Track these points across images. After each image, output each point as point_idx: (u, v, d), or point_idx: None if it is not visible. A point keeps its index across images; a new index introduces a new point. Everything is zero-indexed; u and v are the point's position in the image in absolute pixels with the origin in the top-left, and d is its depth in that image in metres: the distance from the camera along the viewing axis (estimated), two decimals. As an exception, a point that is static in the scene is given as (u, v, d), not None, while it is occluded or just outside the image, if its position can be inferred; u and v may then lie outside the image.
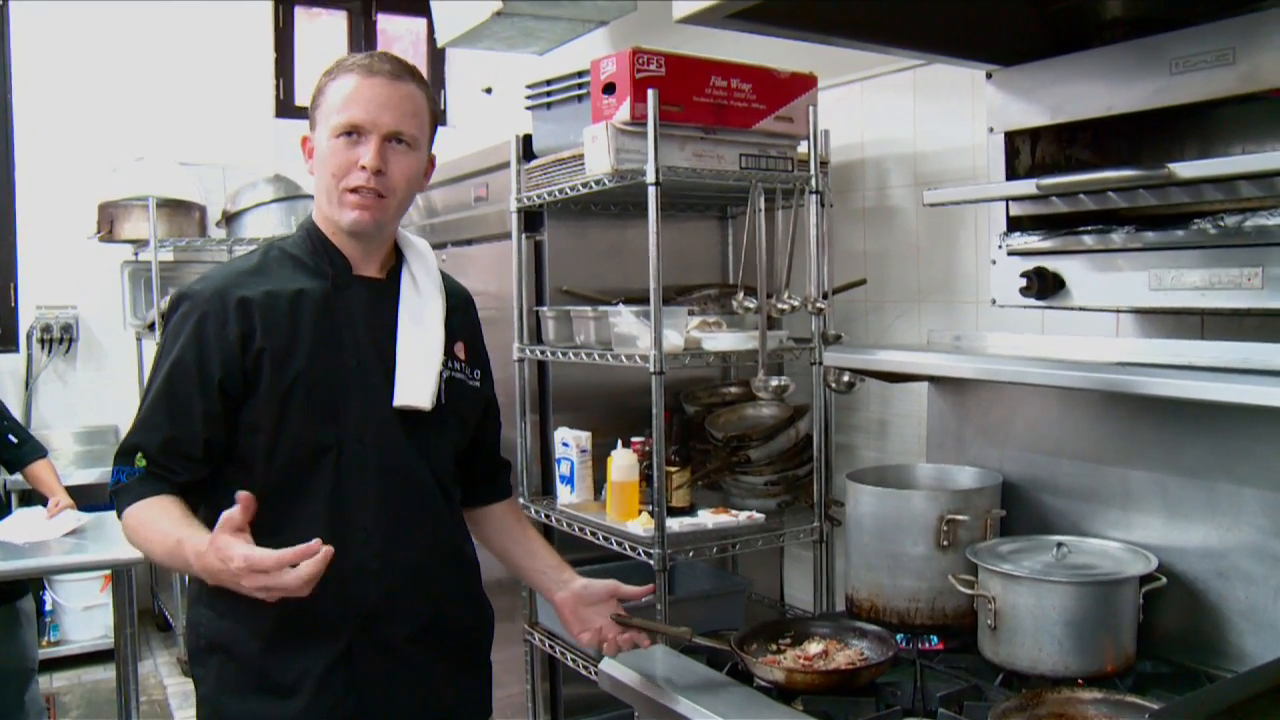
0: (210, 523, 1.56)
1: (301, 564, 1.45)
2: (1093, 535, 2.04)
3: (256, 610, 1.61)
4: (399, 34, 5.30)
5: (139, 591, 3.80)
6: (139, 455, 1.68)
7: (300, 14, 4.97)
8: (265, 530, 1.54)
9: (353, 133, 1.68)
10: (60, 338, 4.86)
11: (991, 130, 2.17)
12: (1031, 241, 2.07)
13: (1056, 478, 2.13)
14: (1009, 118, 2.13)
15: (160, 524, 1.63)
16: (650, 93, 2.35)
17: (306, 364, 1.70)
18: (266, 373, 1.68)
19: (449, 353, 1.86)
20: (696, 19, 1.85)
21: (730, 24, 1.87)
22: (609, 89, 2.44)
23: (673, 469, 2.71)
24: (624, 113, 2.39)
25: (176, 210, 4.29)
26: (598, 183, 2.52)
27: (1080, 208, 2.02)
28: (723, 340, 2.55)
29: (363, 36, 5.07)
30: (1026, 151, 2.18)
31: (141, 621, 5.03)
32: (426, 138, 1.79)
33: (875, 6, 1.94)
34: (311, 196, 4.41)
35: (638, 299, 2.96)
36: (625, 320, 2.53)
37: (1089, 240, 1.96)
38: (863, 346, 2.33)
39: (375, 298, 1.80)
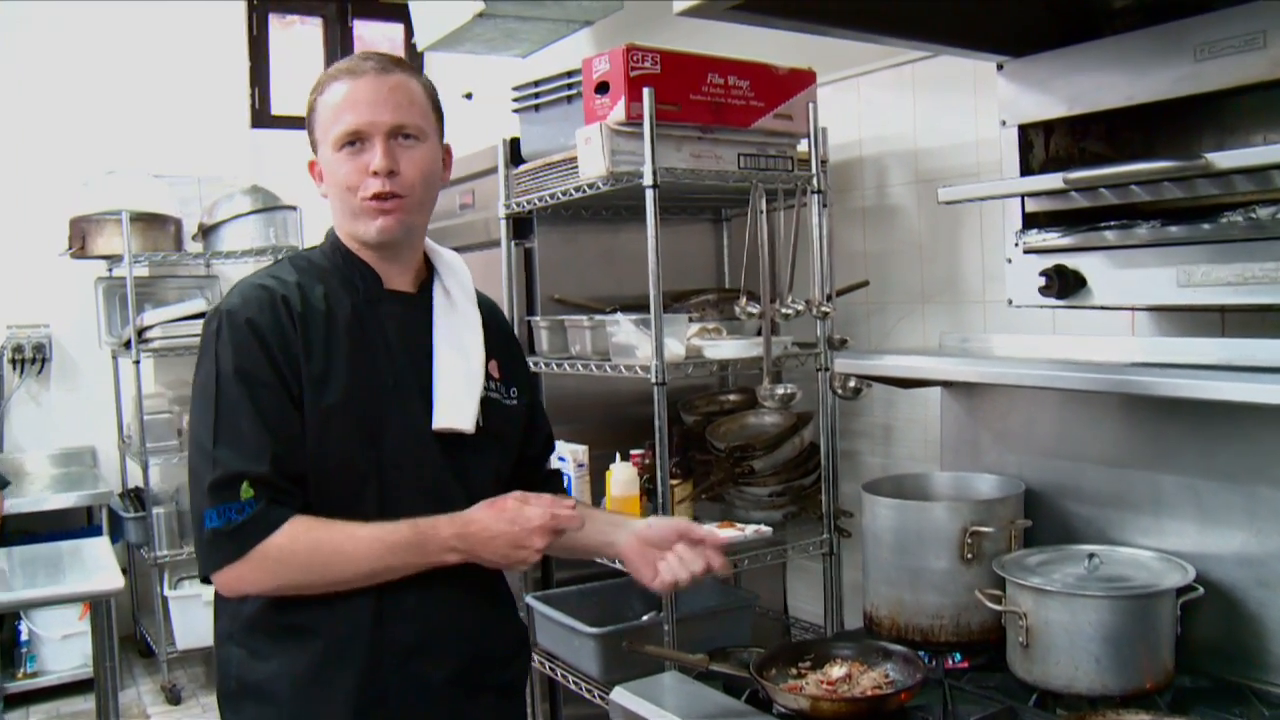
0: None
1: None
2: (1122, 544, 1.96)
3: (291, 648, 1.55)
4: (375, 41, 5.19)
5: (120, 616, 3.69)
6: (244, 485, 1.50)
7: (275, 23, 4.86)
8: None
9: (354, 140, 1.58)
10: (33, 357, 4.71)
11: (1004, 123, 2.08)
12: (1050, 238, 1.98)
13: (1081, 484, 2.04)
14: (1022, 110, 2.05)
15: (352, 528, 1.53)
16: (646, 91, 2.26)
17: (348, 382, 1.58)
18: (309, 391, 1.56)
19: (484, 372, 1.74)
20: (697, 12, 1.76)
21: (732, 16, 1.78)
22: (602, 88, 2.34)
23: (675, 482, 2.61)
24: (619, 112, 2.29)
25: (151, 224, 4.16)
26: (591, 186, 2.42)
27: (1101, 202, 1.93)
28: (726, 348, 2.45)
29: (338, 44, 4.95)
30: (1040, 145, 2.10)
31: (123, 648, 4.89)
32: (434, 127, 1.67)
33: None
34: (292, 207, 4.35)
35: (633, 306, 2.87)
36: (624, 329, 2.43)
37: (1112, 236, 1.88)
38: (874, 351, 2.24)
39: (408, 313, 1.69)
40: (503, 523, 1.54)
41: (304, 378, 1.55)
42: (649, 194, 2.29)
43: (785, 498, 2.70)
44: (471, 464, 1.69)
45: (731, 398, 3.09)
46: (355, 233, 1.64)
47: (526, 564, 1.58)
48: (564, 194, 2.55)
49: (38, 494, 4.35)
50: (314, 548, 1.52)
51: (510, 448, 1.79)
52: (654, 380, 2.32)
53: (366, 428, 1.60)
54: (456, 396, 1.66)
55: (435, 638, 1.63)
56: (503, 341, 1.82)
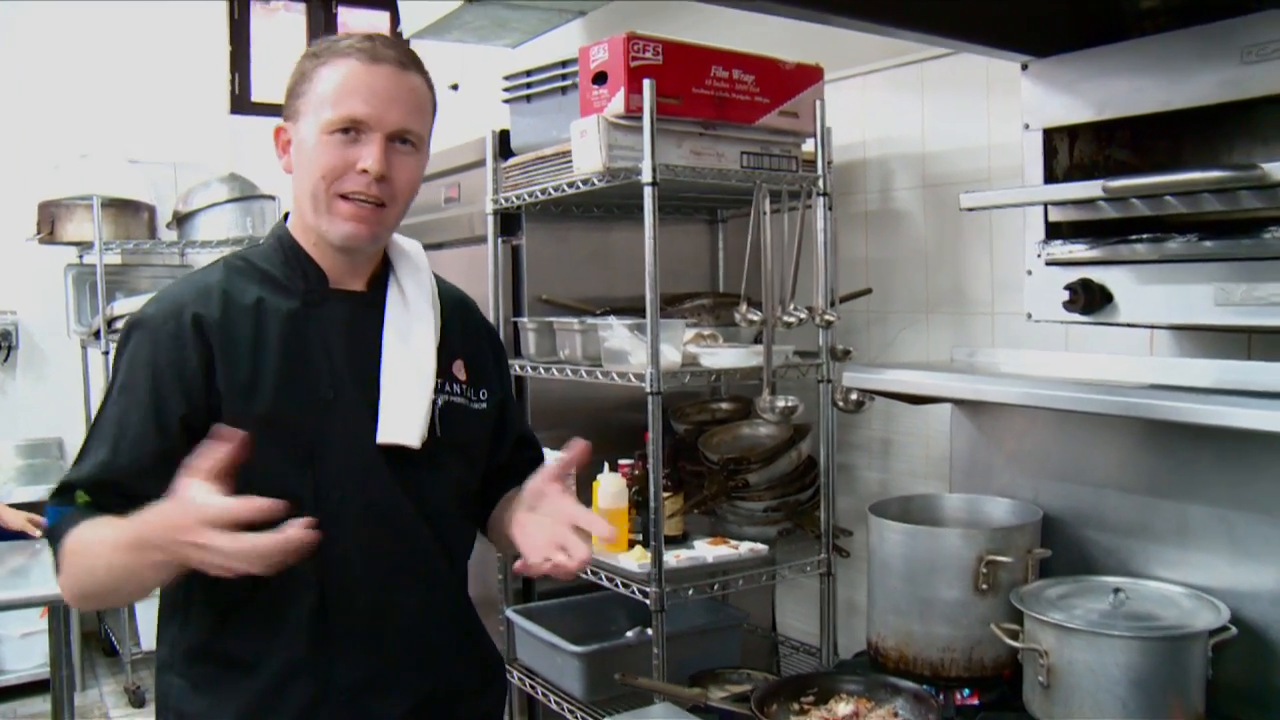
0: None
1: (266, 535, 1.20)
2: (1145, 576, 1.84)
3: (231, 682, 1.43)
4: (359, 28, 5.04)
5: (83, 614, 3.54)
6: (79, 492, 1.41)
7: (257, 8, 4.70)
8: (233, 595, 1.34)
9: (351, 129, 1.44)
10: (-2, 345, 4.56)
11: (1027, 127, 1.96)
12: (1077, 250, 1.86)
13: (1102, 511, 1.92)
14: (1048, 113, 1.93)
15: (102, 530, 1.35)
16: (646, 83, 2.13)
17: (273, 398, 1.45)
18: (225, 409, 1.43)
19: (445, 374, 1.60)
20: (729, 1, 1.64)
21: (756, 5, 1.66)
22: (600, 79, 2.21)
23: (666, 495, 2.48)
24: (617, 105, 2.16)
25: (124, 210, 4.01)
26: (585, 182, 2.29)
27: (1132, 213, 1.81)
28: (724, 357, 2.32)
29: (322, 30, 4.80)
30: (1065, 151, 1.98)
31: (86, 646, 4.74)
32: (429, 135, 1.55)
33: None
34: (271, 197, 4.19)
35: (625, 310, 2.74)
36: (617, 334, 2.30)
37: (1144, 249, 1.76)
38: (885, 365, 2.12)
39: (356, 315, 1.55)
40: (171, 515, 1.26)
41: (222, 390, 1.43)
42: (648, 192, 2.16)
43: (780, 513, 2.57)
44: (426, 480, 1.55)
45: (724, 406, 2.97)
46: (317, 226, 1.49)
47: (206, 566, 1.24)
48: (556, 189, 2.41)
49: (2, 486, 4.19)
50: (79, 549, 1.37)
51: (476, 457, 1.65)
52: (648, 389, 2.19)
53: (299, 445, 1.46)
54: (402, 406, 1.52)
55: (387, 671, 1.50)
56: (471, 338, 1.69)
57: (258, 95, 4.68)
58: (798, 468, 2.60)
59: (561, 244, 2.85)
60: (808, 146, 2.46)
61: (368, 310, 1.56)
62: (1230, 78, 1.64)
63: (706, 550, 2.35)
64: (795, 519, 2.59)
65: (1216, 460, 1.77)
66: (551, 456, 2.52)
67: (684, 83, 2.20)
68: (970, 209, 1.87)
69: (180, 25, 4.44)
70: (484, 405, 1.64)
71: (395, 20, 5.01)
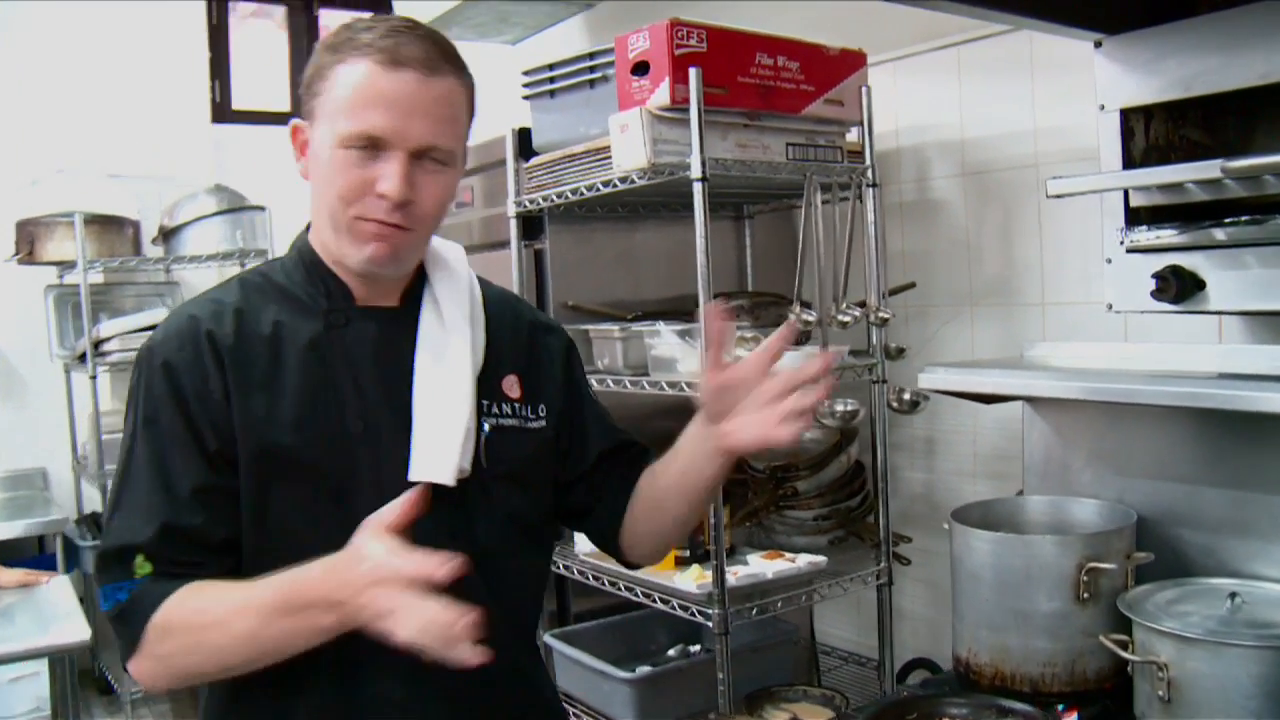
0: None
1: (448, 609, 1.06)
2: (1248, 576, 1.74)
3: None
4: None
5: (78, 652, 3.38)
6: (138, 559, 1.23)
7: (236, 16, 4.53)
8: None
9: (367, 145, 1.26)
10: (-25, 373, 4.37)
11: (1103, 108, 1.86)
12: (1165, 236, 1.76)
13: (1197, 509, 1.82)
14: (1126, 93, 1.83)
15: (222, 597, 1.20)
16: (693, 72, 2.01)
17: (294, 432, 1.28)
18: (240, 447, 1.27)
19: (495, 393, 1.42)
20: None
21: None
22: (640, 69, 2.08)
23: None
24: (661, 96, 2.04)
25: (107, 227, 3.83)
26: (624, 180, 2.16)
27: (1224, 195, 1.72)
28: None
29: (304, 34, 4.64)
30: (1141, 132, 1.88)
31: (81, 685, 4.55)
32: (462, 147, 1.35)
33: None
34: (260, 208, 4.04)
35: (656, 314, 2.62)
36: (666, 340, 2.17)
37: (1247, 232, 1.66)
38: (962, 364, 2.00)
39: (387, 335, 1.37)
40: (348, 564, 1.14)
41: (236, 425, 1.27)
42: (697, 188, 2.03)
43: (831, 521, 2.46)
44: (474, 518, 1.37)
45: (757, 410, 2.85)
46: (334, 249, 1.34)
47: (384, 628, 1.10)
48: (590, 189, 2.28)
49: (-17, 522, 4.00)
50: (188, 623, 1.21)
51: (535, 484, 1.46)
52: (705, 398, 2.06)
53: (328, 483, 1.29)
54: (436, 438, 1.34)
55: None
56: (525, 345, 1.50)
57: (239, 103, 4.52)
58: (846, 473, 2.49)
59: (586, 246, 2.72)
60: (852, 136, 2.36)
61: (400, 329, 1.38)
62: (1338, 46, 1.54)
63: (763, 565, 2.23)
64: (847, 526, 2.48)
65: (1326, 452, 1.67)
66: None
67: (730, 71, 2.08)
68: (1058, 195, 1.76)
69: (157, 34, 4.27)
70: (542, 423, 1.46)
71: (379, 22, 4.88)
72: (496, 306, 1.50)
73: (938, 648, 2.65)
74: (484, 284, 1.52)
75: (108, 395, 4.12)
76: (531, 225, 2.67)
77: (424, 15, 3.33)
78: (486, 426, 1.40)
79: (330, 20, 4.78)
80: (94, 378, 3.80)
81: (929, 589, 2.69)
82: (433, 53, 1.29)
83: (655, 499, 1.49)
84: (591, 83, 2.35)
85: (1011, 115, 2.45)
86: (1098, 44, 1.86)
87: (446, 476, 1.33)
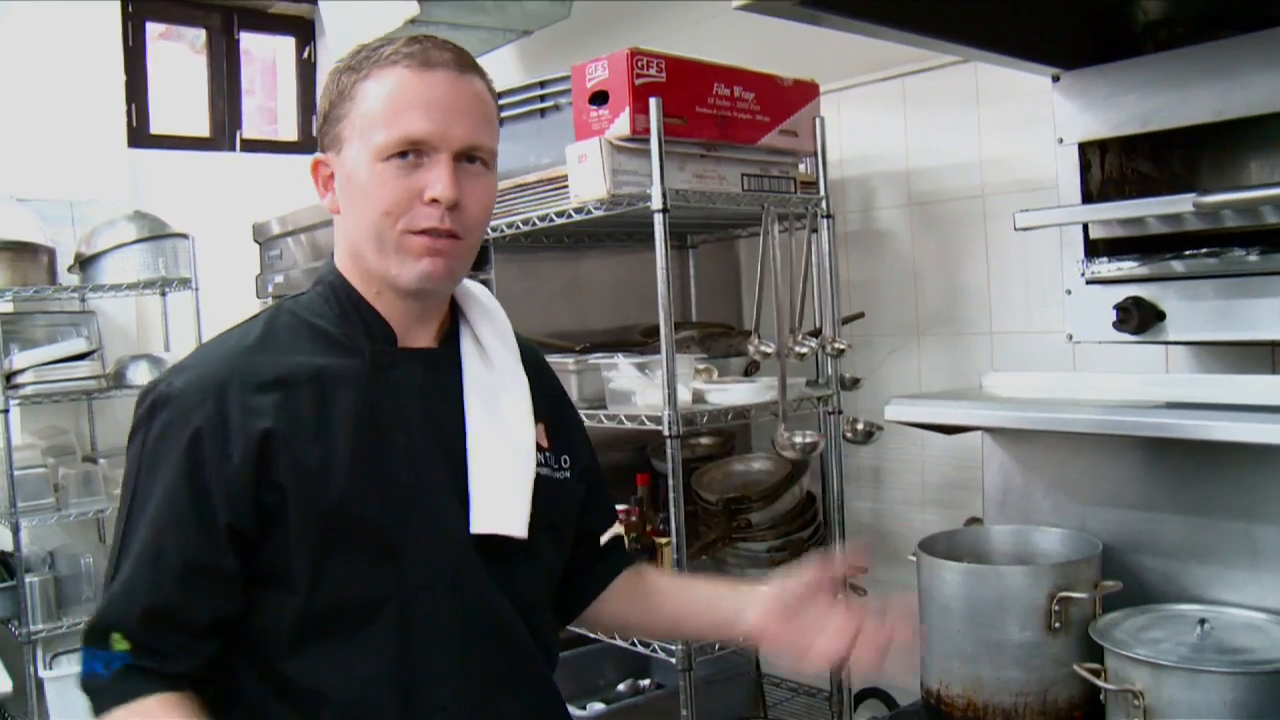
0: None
1: None
2: (1211, 602, 1.77)
3: None
4: (264, 54, 4.78)
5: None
6: (116, 636, 1.16)
7: (153, 39, 4.39)
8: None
9: (410, 152, 1.21)
10: (-128, 407, 4.13)
11: (1062, 141, 1.89)
12: (1126, 268, 1.79)
13: (1158, 536, 1.85)
14: (1084, 127, 1.87)
15: None
16: (653, 102, 1.99)
17: (347, 485, 1.21)
18: (292, 503, 1.19)
19: None
20: (760, 7, 1.52)
21: (797, 13, 1.54)
22: (598, 98, 2.06)
23: (663, 540, 2.34)
24: (621, 126, 2.02)
25: (20, 254, 3.66)
26: (580, 210, 2.14)
27: (1182, 228, 1.75)
28: (736, 393, 2.19)
29: (224, 57, 4.53)
30: (1097, 165, 1.91)
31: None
32: (496, 155, 1.32)
33: (960, 2, 1.64)
34: (184, 235, 3.90)
35: (603, 345, 2.60)
36: (624, 373, 2.14)
37: (1208, 264, 1.70)
38: (932, 396, 2.01)
39: (431, 378, 1.31)
40: None
41: (287, 487, 1.19)
42: (658, 219, 2.01)
43: (785, 552, 2.44)
44: (521, 572, 1.32)
45: (704, 441, 2.84)
46: (385, 273, 1.25)
47: None
48: (543, 219, 2.25)
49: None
50: None
51: (565, 536, 1.42)
52: (666, 432, 2.04)
53: (379, 540, 1.23)
54: (500, 488, 1.28)
55: None
56: (552, 398, 1.46)
57: (157, 128, 4.38)
58: (799, 504, 2.49)
59: (532, 277, 2.68)
60: (803, 167, 2.36)
61: (444, 371, 1.32)
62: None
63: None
64: (800, 557, 2.46)
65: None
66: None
67: (688, 101, 2.07)
68: (1026, 228, 1.77)
69: (69, 53, 4.10)
70: (568, 474, 1.41)
71: (302, 46, 4.78)
72: (526, 355, 1.44)
73: (888, 677, 2.65)
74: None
75: (18, 430, 3.93)
76: (476, 256, 2.62)
77: (355, 41, 3.27)
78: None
79: (252, 44, 4.68)
80: (5, 411, 3.62)
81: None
82: (460, 55, 1.27)
83: (671, 617, 1.50)
84: (542, 111, 2.32)
85: (957, 146, 2.48)
86: (1055, 78, 1.90)
87: (518, 528, 1.28)
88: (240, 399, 1.20)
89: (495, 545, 1.27)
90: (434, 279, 1.24)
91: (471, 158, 1.24)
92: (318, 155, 1.31)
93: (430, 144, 1.21)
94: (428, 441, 1.28)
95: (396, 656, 1.22)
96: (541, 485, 1.35)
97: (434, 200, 1.21)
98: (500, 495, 1.28)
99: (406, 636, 1.22)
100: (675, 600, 1.50)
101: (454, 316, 1.37)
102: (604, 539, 1.51)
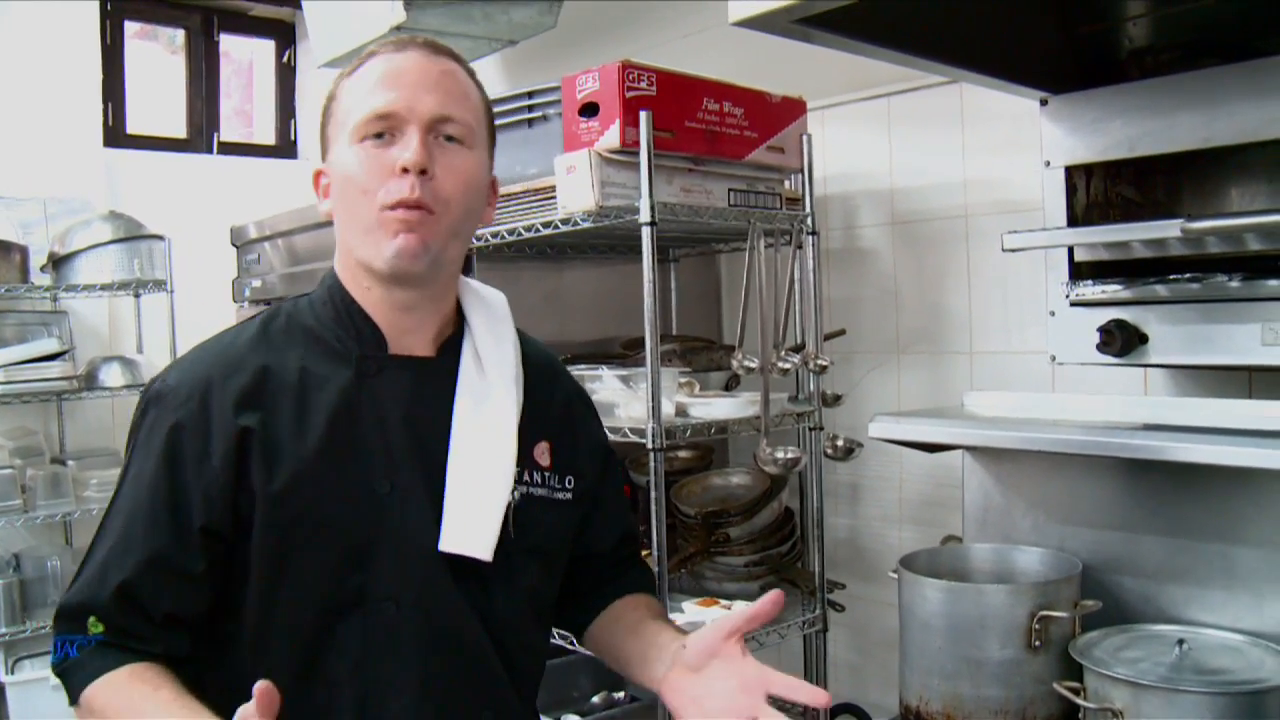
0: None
1: None
2: (1185, 622, 1.78)
3: None
4: (243, 57, 4.75)
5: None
6: (91, 619, 1.17)
7: (130, 38, 4.35)
8: None
9: (383, 131, 1.22)
10: None
11: (1049, 164, 1.91)
12: (1110, 291, 1.81)
13: (1136, 557, 1.86)
14: (1071, 151, 1.89)
15: (144, 709, 1.12)
16: (643, 115, 2.00)
17: (318, 492, 1.21)
18: (260, 504, 1.19)
19: (526, 459, 1.34)
20: (756, 23, 1.52)
21: (791, 30, 1.55)
22: (588, 110, 2.06)
23: (644, 553, 2.33)
24: (611, 138, 2.02)
25: (-9, 253, 3.63)
26: (567, 221, 2.14)
27: (1167, 253, 1.78)
28: (719, 408, 2.19)
29: (203, 58, 4.49)
30: (1083, 188, 1.94)
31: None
32: (485, 140, 1.32)
33: (953, 25, 1.66)
34: (159, 237, 3.86)
35: (582, 356, 2.60)
36: (608, 385, 2.14)
37: (1190, 289, 1.72)
38: (916, 414, 2.01)
39: (421, 387, 1.30)
40: None
41: (258, 490, 1.19)
42: (645, 233, 2.02)
43: (762, 567, 2.45)
44: (496, 593, 1.30)
45: (682, 454, 2.84)
46: (365, 258, 1.25)
47: None
48: (529, 229, 2.25)
49: None
50: (115, 715, 1.16)
51: (556, 560, 1.41)
52: (650, 445, 2.04)
53: (348, 550, 1.22)
54: (472, 506, 1.27)
55: None
56: (560, 411, 1.44)
57: (134, 127, 4.34)
58: (777, 519, 2.49)
59: (513, 287, 2.60)
60: (788, 183, 2.37)
61: (436, 382, 1.31)
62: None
63: (701, 613, 2.20)
64: (777, 572, 2.47)
65: (1258, 503, 1.73)
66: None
67: (678, 115, 2.08)
68: (1013, 250, 1.79)
69: (46, 51, 4.07)
70: (569, 495, 1.39)
71: (282, 50, 4.76)
72: (536, 366, 1.43)
73: (863, 693, 2.66)
74: (525, 339, 1.46)
75: (-14, 429, 3.88)
76: (458, 264, 2.61)
77: (339, 46, 3.27)
78: (517, 494, 1.33)
79: (232, 46, 4.65)
80: (-27, 412, 3.58)
81: (853, 634, 2.70)
82: (436, 43, 1.29)
83: (625, 659, 1.43)
84: (530, 122, 2.32)
85: (941, 166, 2.50)
86: (1043, 102, 1.92)
87: (483, 550, 1.26)
88: (223, 397, 1.21)
89: (468, 564, 1.26)
90: (406, 255, 1.22)
91: (448, 136, 1.25)
92: (318, 166, 1.32)
93: (399, 116, 1.22)
94: (408, 452, 1.27)
95: (355, 667, 1.21)
96: (534, 506, 1.34)
97: (404, 170, 1.21)
98: (471, 515, 1.27)
99: (367, 648, 1.22)
100: (630, 642, 1.44)
101: (460, 324, 1.36)
102: (620, 553, 1.51)
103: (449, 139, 1.25)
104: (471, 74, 1.32)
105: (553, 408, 1.42)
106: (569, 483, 1.40)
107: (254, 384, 1.23)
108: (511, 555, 1.30)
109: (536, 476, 1.36)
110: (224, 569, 1.22)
